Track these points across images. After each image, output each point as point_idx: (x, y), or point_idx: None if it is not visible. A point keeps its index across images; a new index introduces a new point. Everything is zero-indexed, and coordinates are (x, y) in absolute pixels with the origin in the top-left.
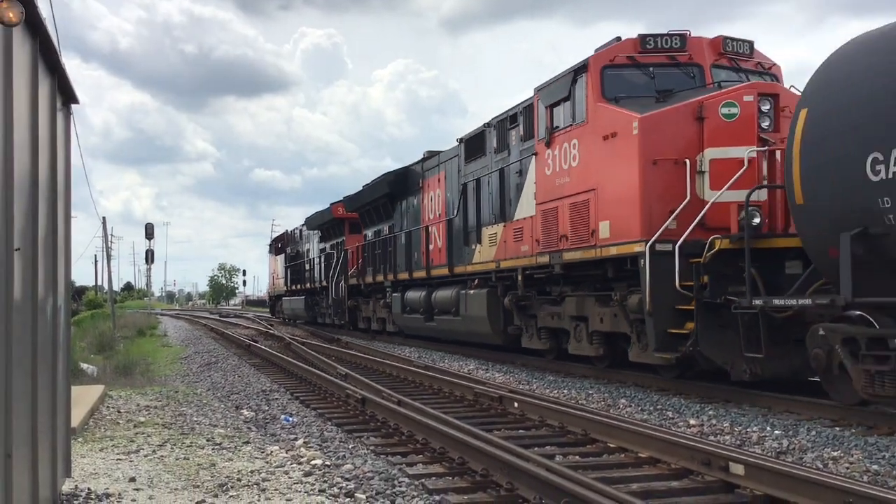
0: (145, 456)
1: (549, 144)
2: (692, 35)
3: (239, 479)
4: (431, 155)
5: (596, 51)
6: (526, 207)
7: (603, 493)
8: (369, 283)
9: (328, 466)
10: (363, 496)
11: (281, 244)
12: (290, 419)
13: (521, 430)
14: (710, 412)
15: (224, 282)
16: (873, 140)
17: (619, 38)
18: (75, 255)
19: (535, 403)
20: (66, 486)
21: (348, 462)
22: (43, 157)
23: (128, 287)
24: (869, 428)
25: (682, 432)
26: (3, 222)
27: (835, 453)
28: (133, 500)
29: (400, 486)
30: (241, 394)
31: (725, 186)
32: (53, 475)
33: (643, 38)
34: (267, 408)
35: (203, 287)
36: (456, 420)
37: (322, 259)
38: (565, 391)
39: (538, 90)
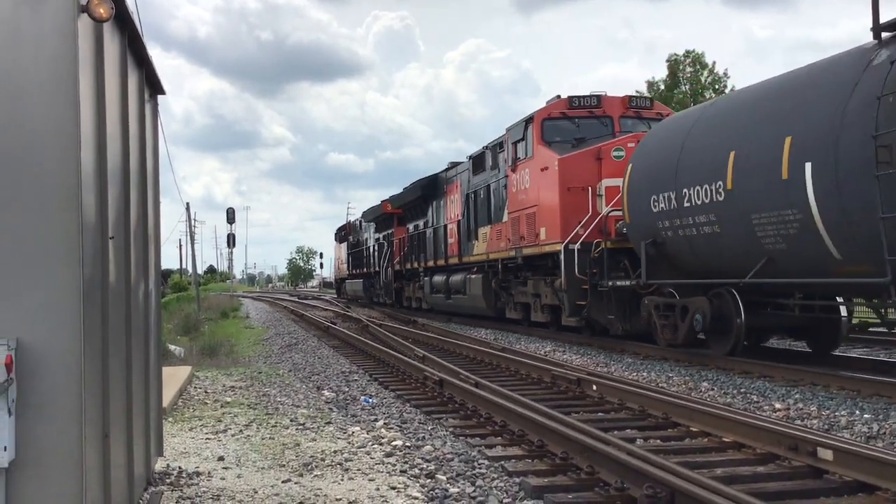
0: (232, 435)
1: (514, 170)
2: (607, 95)
3: (323, 459)
4: (453, 166)
5: (551, 100)
6: (504, 215)
7: (686, 477)
8: (408, 269)
9: (408, 447)
10: (444, 477)
11: (344, 233)
12: (370, 400)
13: (599, 413)
14: (797, 396)
15: (302, 264)
16: (653, 187)
17: (559, 97)
18: (161, 240)
19: (615, 386)
20: (159, 465)
21: (428, 443)
22: (133, 148)
23: (211, 270)
24: None
25: (767, 416)
26: (98, 213)
27: None
28: (222, 479)
29: (480, 468)
30: (321, 375)
31: (611, 204)
32: (147, 454)
33: (570, 99)
34: (347, 389)
35: (282, 269)
36: (534, 402)
37: (376, 248)
38: (644, 374)
39: (508, 130)
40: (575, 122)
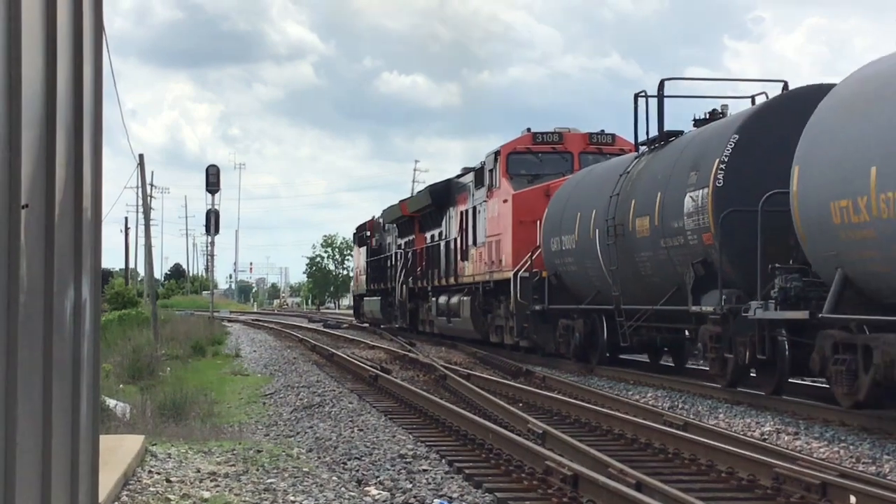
0: None
1: (489, 196)
2: (570, 132)
3: None
4: (466, 172)
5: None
6: (484, 238)
7: None
8: (420, 288)
9: None
10: None
11: (367, 233)
12: None
13: None
14: None
15: (333, 267)
16: (552, 231)
17: (528, 130)
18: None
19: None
20: None
21: None
22: (62, 63)
23: (177, 273)
24: None
25: None
26: (4, 167)
27: None
28: None
29: None
30: (364, 459)
31: None
32: None
33: (534, 135)
34: (409, 486)
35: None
36: None
37: (398, 258)
38: None
39: (487, 156)
40: (538, 157)
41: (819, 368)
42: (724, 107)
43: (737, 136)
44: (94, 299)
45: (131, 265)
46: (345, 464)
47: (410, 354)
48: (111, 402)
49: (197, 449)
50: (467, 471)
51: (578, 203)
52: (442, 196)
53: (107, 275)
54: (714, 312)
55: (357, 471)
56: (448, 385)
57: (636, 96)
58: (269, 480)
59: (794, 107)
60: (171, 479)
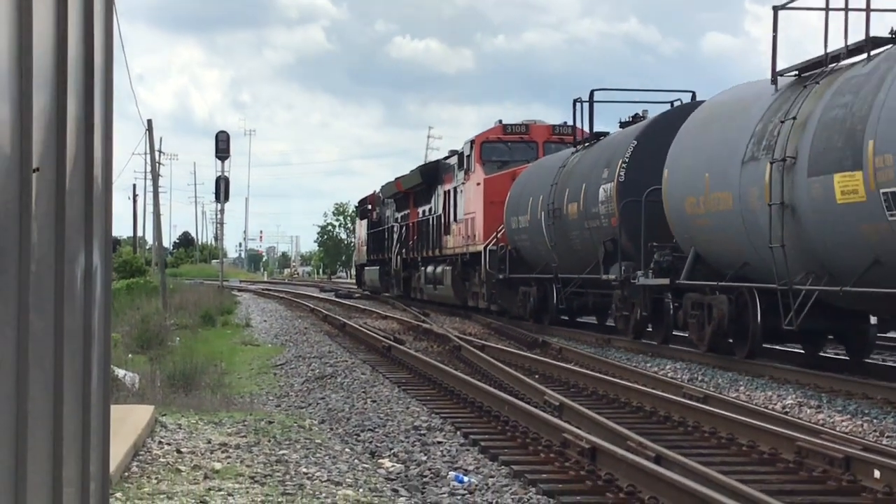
0: None
1: (466, 179)
2: (535, 123)
3: None
4: (451, 155)
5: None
6: (462, 215)
7: None
8: (412, 259)
9: None
10: None
11: (369, 206)
12: (465, 480)
13: None
14: None
15: (344, 235)
16: (512, 212)
17: (500, 121)
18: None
19: None
20: None
21: None
22: (73, 26)
23: (186, 241)
24: None
25: None
26: (15, 130)
27: None
28: None
29: None
30: (377, 431)
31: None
32: None
33: (504, 126)
34: (423, 457)
35: (309, 244)
36: (768, 498)
37: (394, 231)
38: None
39: (465, 143)
40: (508, 146)
41: (683, 322)
42: (645, 111)
43: (635, 142)
44: (105, 267)
45: (139, 233)
46: (358, 435)
47: (424, 325)
48: (120, 372)
49: (207, 420)
50: (483, 443)
51: (531, 189)
52: (431, 175)
53: (115, 243)
54: (616, 280)
55: (370, 442)
56: (462, 356)
57: (574, 101)
58: (280, 452)
59: (676, 121)
60: (182, 449)
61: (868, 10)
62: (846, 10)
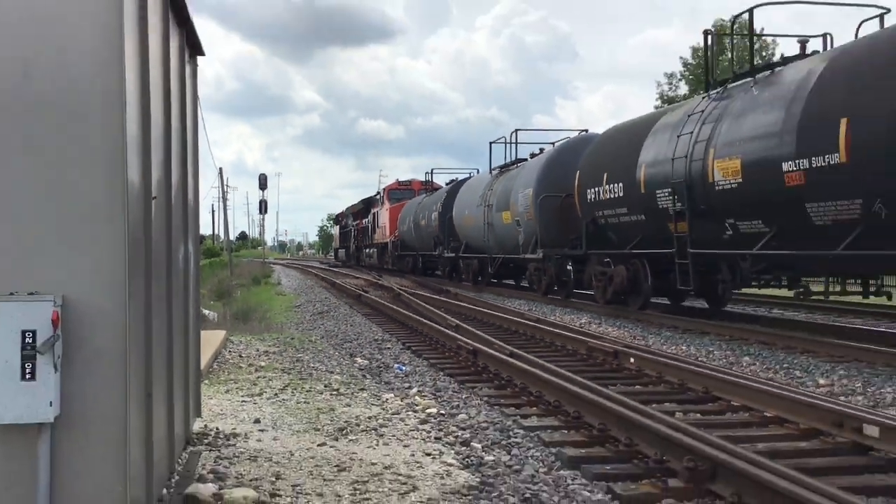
0: (268, 399)
1: (381, 207)
2: (413, 180)
3: (357, 424)
4: (377, 194)
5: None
6: (380, 223)
7: (728, 450)
8: (359, 246)
9: (442, 415)
10: (479, 445)
11: (340, 218)
12: (403, 368)
13: (637, 386)
14: (841, 372)
15: (334, 232)
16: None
17: (398, 179)
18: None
19: (653, 359)
20: (197, 426)
21: (462, 412)
22: (174, 109)
23: (242, 236)
24: None
25: (810, 392)
26: (141, 173)
27: None
28: (259, 440)
29: (515, 438)
30: (354, 342)
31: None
32: (186, 414)
33: (399, 181)
34: (380, 357)
35: (312, 237)
36: (570, 374)
37: (349, 232)
38: (683, 347)
39: (380, 190)
40: (400, 191)
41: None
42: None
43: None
44: (196, 252)
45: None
46: (342, 345)
47: (379, 282)
48: (206, 312)
49: (256, 337)
50: (413, 348)
51: (419, 209)
52: (368, 204)
53: (201, 238)
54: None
55: (350, 349)
56: (402, 299)
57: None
58: (298, 355)
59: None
60: (242, 355)
61: None
62: None
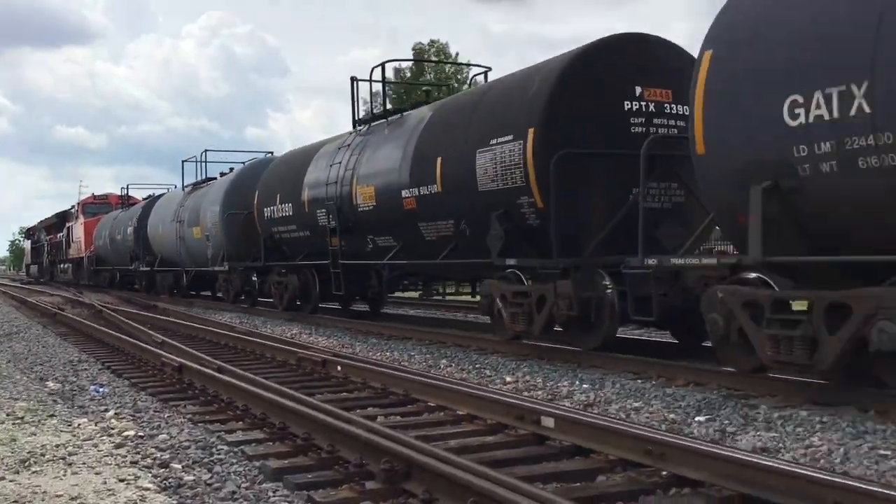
0: None
1: (77, 221)
2: (111, 194)
3: (43, 455)
4: (72, 207)
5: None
6: (75, 238)
7: (421, 450)
8: (53, 260)
9: (141, 437)
10: (179, 465)
11: (31, 233)
12: (101, 390)
13: (343, 393)
14: (525, 369)
15: (28, 247)
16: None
17: (93, 193)
18: None
19: (358, 366)
20: None
21: (163, 432)
22: None
23: None
24: (668, 380)
25: (498, 389)
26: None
27: (636, 404)
28: None
29: (218, 454)
30: (45, 365)
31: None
32: None
33: (94, 195)
34: (75, 379)
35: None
36: (277, 385)
37: (44, 247)
38: (388, 353)
39: (76, 203)
40: (95, 205)
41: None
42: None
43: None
44: None
45: None
46: (32, 369)
47: (79, 298)
48: None
49: None
50: (114, 367)
51: (116, 222)
52: (62, 218)
53: None
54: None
55: (40, 372)
56: (103, 315)
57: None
58: None
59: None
60: None
61: None
62: None
